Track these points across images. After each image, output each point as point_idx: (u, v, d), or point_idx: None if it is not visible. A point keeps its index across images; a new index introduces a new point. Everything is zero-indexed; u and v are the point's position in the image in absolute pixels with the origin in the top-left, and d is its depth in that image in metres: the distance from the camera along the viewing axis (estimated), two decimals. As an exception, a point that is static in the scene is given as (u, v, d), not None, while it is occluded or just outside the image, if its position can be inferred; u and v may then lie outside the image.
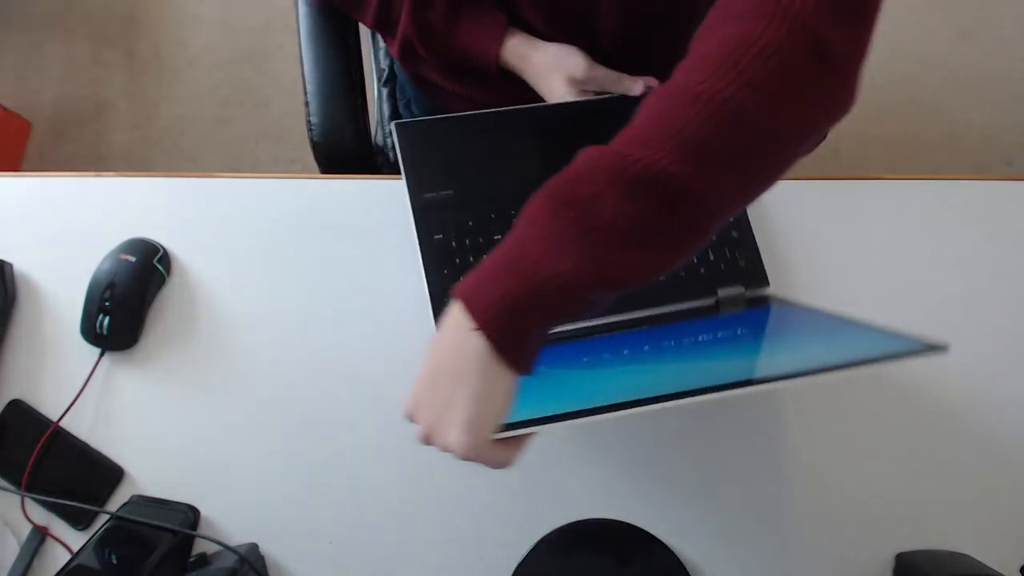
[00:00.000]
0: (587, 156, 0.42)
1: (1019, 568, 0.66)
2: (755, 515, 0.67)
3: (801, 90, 0.41)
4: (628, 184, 0.39)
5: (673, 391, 0.45)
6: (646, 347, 0.63)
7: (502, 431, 0.45)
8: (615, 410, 0.45)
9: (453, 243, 0.68)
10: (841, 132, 1.70)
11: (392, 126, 0.72)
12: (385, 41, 0.77)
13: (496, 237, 0.69)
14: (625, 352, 0.63)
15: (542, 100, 0.75)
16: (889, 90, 1.77)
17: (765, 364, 0.53)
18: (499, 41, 0.71)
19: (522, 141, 0.72)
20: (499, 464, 0.45)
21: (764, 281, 0.69)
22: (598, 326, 0.67)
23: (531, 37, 0.73)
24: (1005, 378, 0.71)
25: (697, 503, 0.67)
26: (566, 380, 0.57)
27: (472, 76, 0.77)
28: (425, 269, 0.67)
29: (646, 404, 0.45)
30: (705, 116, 0.39)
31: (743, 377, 0.46)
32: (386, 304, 0.72)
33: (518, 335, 0.41)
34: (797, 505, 0.68)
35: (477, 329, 0.41)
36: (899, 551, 0.66)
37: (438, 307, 0.68)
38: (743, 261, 0.69)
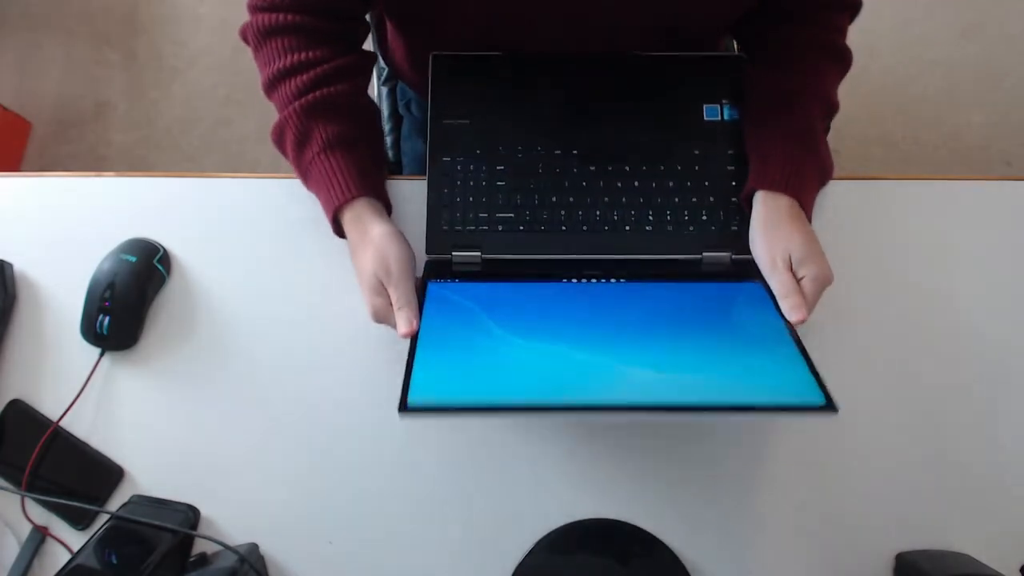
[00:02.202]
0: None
1: (1019, 568, 0.66)
2: (755, 515, 0.67)
3: None
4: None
5: (568, 403, 0.52)
6: (600, 309, 0.62)
7: (413, 412, 0.52)
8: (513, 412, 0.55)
9: (458, 166, 0.73)
10: (841, 132, 1.70)
11: (431, 56, 0.76)
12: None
13: (498, 167, 0.73)
14: (577, 316, 0.61)
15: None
16: (889, 91, 1.77)
17: (673, 383, 0.54)
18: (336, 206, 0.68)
19: (546, 86, 0.76)
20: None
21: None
22: (579, 261, 0.69)
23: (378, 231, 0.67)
24: (1005, 378, 0.71)
25: (697, 503, 0.67)
26: (494, 352, 0.57)
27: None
28: (428, 185, 0.72)
29: (540, 411, 0.54)
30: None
31: (644, 397, 0.52)
32: (386, 304, 0.72)
33: None
34: (797, 505, 0.68)
35: None
36: (899, 551, 0.66)
37: (433, 218, 0.71)
38: (735, 227, 0.70)
